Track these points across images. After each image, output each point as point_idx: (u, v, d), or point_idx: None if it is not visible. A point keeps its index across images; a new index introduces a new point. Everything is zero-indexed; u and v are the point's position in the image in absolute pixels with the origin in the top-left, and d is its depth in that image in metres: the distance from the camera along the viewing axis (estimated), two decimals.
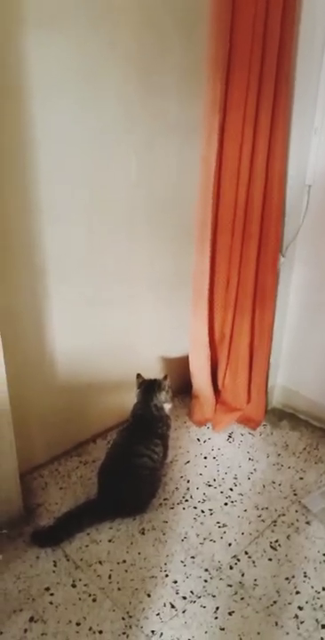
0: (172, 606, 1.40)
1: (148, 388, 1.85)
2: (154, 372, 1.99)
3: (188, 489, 1.82)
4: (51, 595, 1.42)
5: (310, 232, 2.00)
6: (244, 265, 1.96)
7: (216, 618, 1.37)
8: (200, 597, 1.43)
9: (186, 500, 1.77)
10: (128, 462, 1.67)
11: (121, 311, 1.96)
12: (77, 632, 1.33)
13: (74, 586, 1.45)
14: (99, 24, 1.53)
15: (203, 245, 1.94)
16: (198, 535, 1.63)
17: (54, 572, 1.49)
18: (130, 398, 1.98)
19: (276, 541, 1.62)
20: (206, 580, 1.48)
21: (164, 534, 1.63)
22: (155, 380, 1.87)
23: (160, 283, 2.07)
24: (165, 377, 1.88)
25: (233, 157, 1.83)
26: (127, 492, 1.64)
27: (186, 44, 1.77)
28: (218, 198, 1.90)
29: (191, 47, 1.78)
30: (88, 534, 1.62)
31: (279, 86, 1.72)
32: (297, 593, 1.44)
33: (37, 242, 1.61)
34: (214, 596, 1.43)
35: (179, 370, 2.22)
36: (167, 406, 1.86)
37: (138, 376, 1.88)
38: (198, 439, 2.10)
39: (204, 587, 1.46)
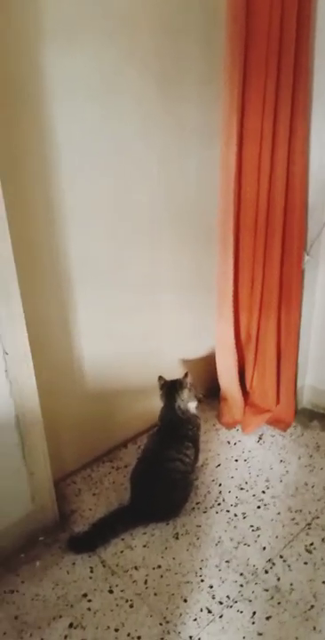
0: (209, 611, 1.40)
1: (170, 389, 1.83)
2: (179, 374, 1.99)
3: (220, 492, 1.82)
4: (89, 601, 1.45)
5: None
6: (268, 264, 1.95)
7: (253, 623, 1.37)
8: (236, 602, 1.43)
9: (219, 504, 1.77)
10: (160, 467, 1.67)
11: (145, 316, 1.97)
12: (116, 638, 1.34)
13: (111, 592, 1.47)
14: (116, 33, 1.55)
15: (226, 246, 1.94)
16: (232, 539, 1.63)
17: (91, 577, 1.52)
18: (157, 402, 1.99)
19: (311, 544, 1.60)
20: (242, 585, 1.47)
21: (198, 539, 1.63)
22: (176, 381, 1.85)
23: (183, 286, 2.07)
24: (186, 375, 1.86)
25: (252, 157, 1.82)
26: (159, 497, 1.66)
27: (204, 48, 1.78)
28: (240, 199, 1.90)
29: (209, 52, 1.78)
30: (122, 540, 1.63)
31: (297, 84, 1.70)
32: None
33: (62, 251, 1.63)
34: (250, 601, 1.43)
35: (206, 372, 2.22)
36: (192, 405, 1.84)
37: (160, 378, 1.87)
38: (228, 442, 2.09)
39: (240, 591, 1.46)
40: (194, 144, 1.89)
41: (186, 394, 1.83)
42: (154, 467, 1.69)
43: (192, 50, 1.76)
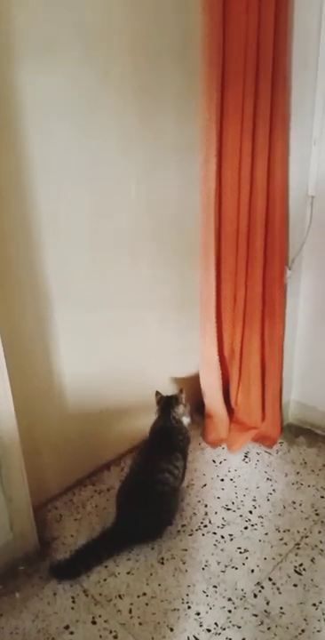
0: None
1: (167, 402, 1.85)
2: (165, 393, 1.96)
3: (206, 514, 1.77)
4: (71, 633, 1.38)
5: (316, 243, 1.97)
6: (250, 279, 1.93)
7: None
8: (225, 629, 1.37)
9: (205, 526, 1.72)
10: (148, 478, 1.63)
11: (128, 334, 1.94)
12: None
13: (94, 622, 1.40)
14: (93, 51, 1.54)
15: (207, 261, 1.93)
16: (219, 562, 1.58)
17: (73, 608, 1.45)
18: (142, 422, 1.95)
19: (300, 565, 1.56)
20: (230, 611, 1.42)
21: (184, 563, 1.58)
22: (172, 396, 1.87)
23: (166, 303, 2.05)
24: (181, 390, 1.87)
25: (232, 172, 1.82)
26: (147, 509, 1.60)
27: (182, 64, 1.78)
28: (220, 214, 1.89)
29: (186, 67, 1.79)
30: (106, 567, 1.57)
31: (275, 100, 1.71)
32: None
33: (40, 269, 1.59)
34: (239, 627, 1.37)
35: (191, 390, 2.18)
36: (185, 420, 1.84)
37: (157, 393, 1.88)
38: (213, 460, 2.05)
39: (229, 617, 1.40)
40: (174, 160, 1.88)
41: (181, 409, 1.84)
42: (143, 478, 1.64)
43: (169, 67, 1.76)
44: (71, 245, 1.66)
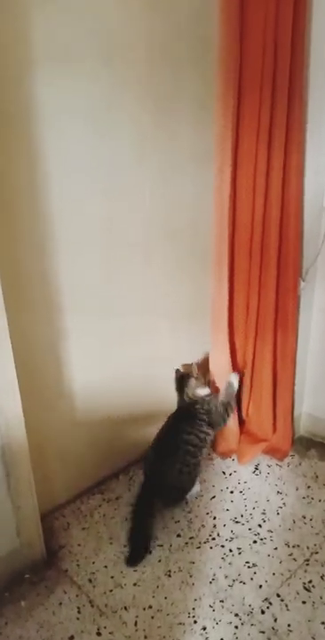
0: None
1: (179, 382, 1.92)
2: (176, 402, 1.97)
3: (215, 526, 1.75)
4: None
5: None
6: (264, 290, 1.91)
7: None
8: None
9: (213, 539, 1.70)
10: (174, 438, 1.78)
11: (139, 342, 1.93)
12: None
13: (99, 634, 1.39)
14: (110, 57, 1.55)
15: (221, 273, 1.91)
16: (227, 577, 1.56)
17: (78, 618, 1.44)
18: (152, 431, 1.94)
19: (310, 582, 1.53)
20: (237, 627, 1.40)
21: (191, 576, 1.56)
22: (183, 374, 1.92)
23: (178, 311, 2.04)
24: (193, 365, 1.92)
25: (247, 182, 1.80)
26: (171, 466, 1.75)
27: (199, 71, 1.77)
28: (234, 223, 1.87)
29: (204, 75, 1.78)
30: (112, 577, 1.56)
31: (291, 110, 1.70)
32: None
33: (52, 276, 1.60)
34: None
35: None
36: (200, 391, 1.89)
37: (177, 371, 1.94)
38: (223, 472, 2.03)
39: (235, 634, 1.38)
40: (190, 166, 1.87)
41: (192, 383, 1.88)
42: (168, 439, 1.81)
43: (187, 74, 1.76)
44: (83, 251, 1.66)
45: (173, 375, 1.94)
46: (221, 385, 2.00)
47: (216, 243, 1.90)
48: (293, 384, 2.07)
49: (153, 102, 1.70)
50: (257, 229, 1.84)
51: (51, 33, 1.40)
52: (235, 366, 2.07)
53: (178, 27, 1.68)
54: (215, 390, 1.99)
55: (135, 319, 1.89)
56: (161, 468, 1.78)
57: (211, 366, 2.07)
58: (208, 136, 1.83)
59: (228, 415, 1.94)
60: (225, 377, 2.03)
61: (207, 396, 1.90)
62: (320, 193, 1.87)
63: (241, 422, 2.13)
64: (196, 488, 1.90)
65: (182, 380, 1.91)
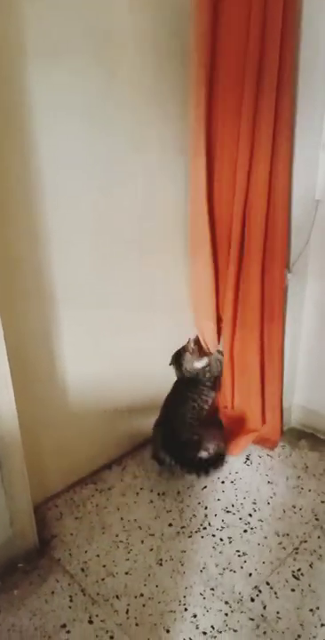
0: None
1: (176, 358, 2.01)
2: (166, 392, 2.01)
3: (206, 516, 1.78)
4: (68, 632, 1.39)
5: (321, 248, 1.96)
6: (248, 281, 1.91)
7: None
8: (221, 632, 1.37)
9: (205, 528, 1.72)
10: (180, 399, 1.95)
11: (132, 335, 1.94)
12: None
13: (90, 622, 1.41)
14: (101, 54, 1.55)
15: (201, 264, 1.93)
16: (217, 565, 1.58)
17: (70, 607, 1.46)
18: (144, 422, 1.99)
19: (299, 570, 1.56)
20: (227, 614, 1.42)
21: (182, 565, 1.58)
22: (179, 350, 2.01)
23: (171, 305, 2.05)
24: (189, 341, 2.00)
25: (226, 173, 1.81)
26: (180, 423, 1.92)
27: (189, 68, 1.76)
28: (214, 214, 1.88)
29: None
30: (104, 566, 1.58)
31: (279, 102, 1.68)
32: (322, 625, 1.38)
33: (45, 269, 1.60)
34: (236, 631, 1.38)
35: None
36: (198, 363, 1.99)
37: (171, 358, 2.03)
38: None
39: (225, 621, 1.40)
40: (180, 161, 1.87)
41: (188, 357, 1.98)
42: (175, 401, 1.97)
43: (177, 71, 1.75)
44: (76, 245, 1.67)
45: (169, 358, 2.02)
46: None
47: (191, 232, 1.91)
48: (282, 376, 2.09)
49: (143, 98, 1.70)
50: (238, 221, 1.83)
51: (44, 28, 1.39)
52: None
53: (169, 23, 1.68)
54: (209, 354, 2.08)
55: (128, 312, 1.90)
56: (170, 431, 1.92)
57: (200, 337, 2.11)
58: None
59: (222, 365, 2.10)
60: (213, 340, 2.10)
61: (206, 365, 2.00)
62: (311, 185, 1.88)
63: (232, 413, 2.15)
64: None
65: (178, 356, 2.00)
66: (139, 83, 1.67)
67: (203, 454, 1.97)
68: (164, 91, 1.75)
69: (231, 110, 1.72)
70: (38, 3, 1.37)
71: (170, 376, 2.07)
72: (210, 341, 2.08)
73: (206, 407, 1.99)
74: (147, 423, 1.98)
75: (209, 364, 2.02)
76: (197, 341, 2.05)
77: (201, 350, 2.05)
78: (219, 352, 2.08)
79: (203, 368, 2.00)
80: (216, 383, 2.07)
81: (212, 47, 1.66)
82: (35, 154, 1.48)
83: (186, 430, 1.93)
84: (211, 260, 1.92)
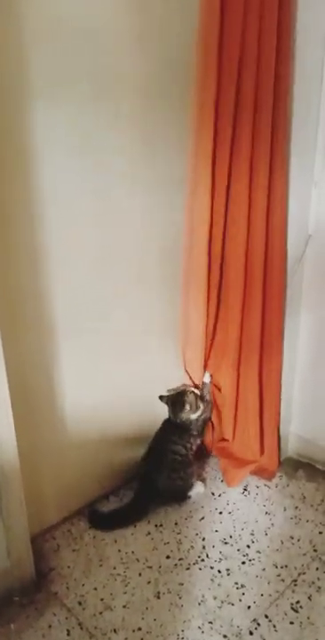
0: None
1: (173, 404, 1.97)
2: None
3: (204, 547, 1.77)
4: None
5: (314, 281, 2.01)
6: (249, 315, 1.94)
7: None
8: None
9: (202, 560, 1.71)
10: (163, 448, 1.93)
11: (131, 362, 1.96)
12: None
13: None
14: (103, 91, 1.61)
15: (193, 300, 1.95)
16: (215, 598, 1.57)
17: None
18: (141, 452, 1.98)
19: (297, 602, 1.55)
20: None
21: (180, 598, 1.57)
22: (177, 400, 1.96)
23: (172, 334, 2.07)
24: (189, 392, 1.97)
25: (220, 209, 1.84)
26: (162, 473, 1.90)
27: (188, 104, 1.82)
28: (211, 251, 1.89)
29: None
30: (102, 600, 1.57)
31: (275, 142, 1.76)
32: None
33: (45, 296, 1.63)
34: None
35: None
36: (194, 416, 1.96)
37: (161, 397, 1.99)
38: (212, 493, 2.05)
39: None
40: (179, 193, 1.91)
41: (187, 408, 1.94)
42: (159, 448, 1.95)
43: (177, 109, 1.80)
44: (76, 275, 1.70)
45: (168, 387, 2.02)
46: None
47: (183, 264, 1.94)
48: (279, 405, 2.11)
49: (143, 134, 1.75)
50: (240, 258, 1.87)
51: (46, 64, 1.45)
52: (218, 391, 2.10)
53: (170, 63, 1.74)
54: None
55: (127, 339, 1.92)
56: (151, 474, 1.92)
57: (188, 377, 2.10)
58: None
59: (212, 409, 2.08)
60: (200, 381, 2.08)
61: (201, 414, 1.97)
62: (304, 222, 1.95)
63: (228, 446, 2.16)
64: (199, 489, 2.01)
65: (176, 403, 1.95)
66: (140, 120, 1.73)
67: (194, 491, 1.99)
68: (166, 128, 1.80)
69: (230, 149, 1.77)
70: (40, 39, 1.43)
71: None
72: (195, 374, 2.07)
73: (191, 454, 1.97)
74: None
75: (202, 414, 1.98)
76: (195, 393, 1.99)
77: (196, 400, 1.97)
78: (208, 394, 2.05)
79: (197, 418, 1.97)
80: (204, 428, 2.04)
81: (217, 90, 1.70)
82: (37, 184, 1.52)
83: (167, 478, 1.92)
84: (205, 296, 1.92)
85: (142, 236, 1.87)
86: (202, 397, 1.99)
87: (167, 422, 2.00)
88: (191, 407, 1.93)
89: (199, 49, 1.67)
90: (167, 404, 1.97)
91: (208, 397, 2.04)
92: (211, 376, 2.06)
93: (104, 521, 1.88)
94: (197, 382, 2.06)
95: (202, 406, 1.97)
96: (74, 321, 1.73)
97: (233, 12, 1.61)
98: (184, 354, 2.06)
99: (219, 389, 2.09)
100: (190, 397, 1.95)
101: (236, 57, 1.66)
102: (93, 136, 1.63)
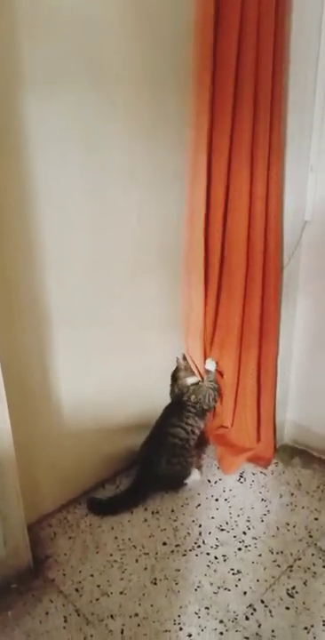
0: None
1: (172, 377, 2.05)
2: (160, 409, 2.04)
3: (200, 534, 1.78)
4: None
5: (311, 266, 2.00)
6: (248, 302, 1.94)
7: None
8: None
9: (199, 547, 1.72)
10: (162, 431, 1.95)
11: (126, 354, 1.95)
12: None
13: None
14: (98, 82, 1.58)
15: (194, 288, 1.94)
16: (212, 584, 1.58)
17: (65, 627, 1.45)
18: (138, 441, 1.98)
19: (293, 588, 1.56)
20: (222, 633, 1.42)
21: (177, 584, 1.58)
22: (176, 368, 2.05)
23: (166, 326, 2.06)
24: (183, 357, 2.04)
25: (222, 199, 1.83)
26: (161, 457, 1.91)
27: (185, 97, 1.79)
28: (207, 242, 1.89)
29: (188, 98, 1.81)
30: (98, 586, 1.57)
31: (272, 132, 1.74)
32: None
33: (40, 289, 1.62)
34: None
35: None
36: (190, 379, 2.02)
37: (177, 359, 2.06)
38: (208, 480, 2.05)
39: (220, 639, 1.40)
40: (175, 187, 1.89)
41: (182, 373, 2.02)
42: (158, 432, 1.96)
43: (173, 99, 1.78)
44: (73, 270, 1.69)
45: (162, 384, 2.03)
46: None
47: (185, 257, 1.93)
48: (274, 392, 2.11)
49: (139, 125, 1.73)
50: (241, 245, 1.86)
51: (40, 56, 1.43)
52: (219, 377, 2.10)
53: (165, 52, 1.71)
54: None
55: (122, 331, 1.92)
56: (151, 458, 1.92)
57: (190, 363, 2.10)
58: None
59: (216, 398, 2.06)
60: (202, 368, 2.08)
61: (193, 384, 2.01)
62: (301, 207, 1.93)
63: (226, 432, 2.16)
64: (195, 476, 2.02)
65: (175, 373, 2.04)
66: (136, 111, 1.70)
67: (191, 478, 2.01)
68: (161, 119, 1.78)
69: (229, 137, 1.75)
70: (36, 32, 1.40)
71: (164, 394, 2.08)
72: (197, 360, 2.07)
73: (192, 439, 1.97)
74: (141, 441, 1.98)
75: (196, 384, 2.01)
76: (185, 358, 2.06)
77: (190, 368, 2.06)
78: (213, 381, 2.05)
79: (189, 387, 2.00)
80: (204, 413, 2.04)
81: (212, 79, 1.69)
82: (32, 179, 1.50)
83: (167, 462, 1.92)
84: (204, 285, 1.92)
85: (139, 231, 1.85)
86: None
87: (167, 406, 2.03)
88: (185, 369, 2.01)
89: (196, 38, 1.65)
90: (171, 380, 2.04)
91: (213, 385, 2.04)
92: (217, 363, 2.07)
93: (104, 507, 1.88)
94: (200, 370, 2.06)
95: (197, 376, 2.02)
96: (69, 313, 1.72)
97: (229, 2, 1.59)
98: (186, 342, 2.06)
99: (221, 375, 2.09)
100: (181, 360, 2.03)
101: (234, 47, 1.64)
102: (89, 131, 1.60)
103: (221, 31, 1.64)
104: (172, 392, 2.04)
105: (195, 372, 2.05)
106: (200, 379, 2.03)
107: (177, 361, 2.04)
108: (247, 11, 1.61)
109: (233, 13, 1.60)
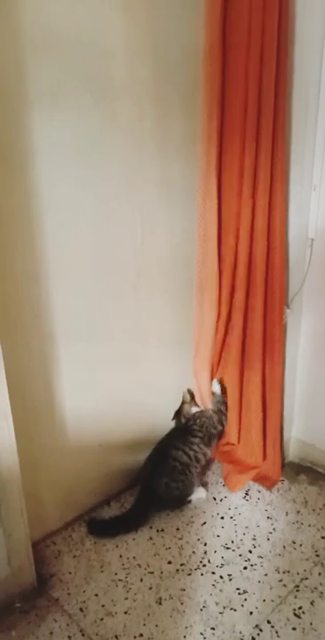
0: None
1: (177, 413, 2.07)
2: (166, 428, 2.04)
3: (206, 552, 1.76)
4: None
5: (315, 284, 2.01)
6: (251, 319, 1.95)
7: None
8: None
9: (204, 565, 1.71)
10: (164, 454, 1.93)
11: (131, 370, 1.96)
12: None
13: None
14: (101, 97, 1.61)
15: (207, 306, 1.97)
16: (217, 603, 1.56)
17: None
18: (141, 457, 1.98)
19: (300, 608, 1.54)
20: None
21: (182, 604, 1.56)
22: (180, 407, 2.08)
23: (169, 340, 2.07)
24: (188, 391, 2.09)
25: (230, 216, 1.86)
26: (162, 480, 1.89)
27: (187, 112, 1.83)
28: (220, 256, 1.92)
29: (191, 115, 1.84)
30: (103, 606, 1.56)
31: (275, 150, 1.78)
32: None
33: (44, 305, 1.64)
34: None
35: None
36: (194, 409, 2.06)
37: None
38: (214, 498, 2.04)
39: None
40: (178, 202, 1.92)
41: (186, 407, 2.06)
42: (159, 454, 1.95)
43: (175, 114, 1.82)
44: (76, 283, 1.70)
45: (166, 400, 2.05)
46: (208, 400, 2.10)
47: (197, 272, 1.96)
48: (281, 411, 2.11)
49: (141, 140, 1.75)
50: (243, 262, 1.88)
51: (44, 72, 1.46)
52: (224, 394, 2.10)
53: (167, 68, 1.75)
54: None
55: (125, 346, 1.92)
56: (151, 479, 1.91)
57: (196, 387, 2.12)
58: (195, 173, 1.90)
59: (222, 421, 2.07)
60: (208, 392, 2.08)
61: (198, 412, 2.03)
62: (304, 225, 1.95)
63: (232, 450, 2.15)
64: (200, 494, 2.01)
65: (178, 412, 2.06)
66: (138, 126, 1.73)
67: (196, 496, 2.00)
68: (164, 134, 1.81)
69: (235, 157, 1.79)
70: (39, 49, 1.44)
71: (168, 411, 2.09)
72: (204, 392, 2.09)
73: (195, 464, 1.95)
74: (145, 457, 1.98)
75: (200, 411, 2.04)
76: (190, 391, 2.10)
77: (195, 401, 2.10)
78: (219, 403, 2.06)
79: (195, 414, 2.01)
80: (211, 439, 2.03)
81: (221, 100, 1.74)
82: (36, 193, 1.53)
83: (166, 486, 1.90)
84: (217, 304, 1.95)
85: (143, 247, 1.87)
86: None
87: (173, 428, 2.05)
88: (189, 404, 2.04)
89: (205, 66, 1.72)
90: (175, 418, 2.07)
91: (217, 408, 2.05)
92: (221, 382, 2.07)
93: (104, 529, 1.85)
94: (205, 396, 2.09)
95: (201, 406, 2.03)
96: (73, 329, 1.73)
97: (236, 28, 1.68)
98: (195, 364, 2.09)
99: (225, 391, 2.09)
100: (185, 392, 2.06)
101: (242, 72, 1.70)
102: (92, 142, 1.63)
103: (229, 58, 1.72)
104: (178, 420, 2.06)
105: (200, 400, 2.09)
106: (202, 408, 2.06)
107: (183, 396, 2.08)
108: (252, 32, 1.66)
109: (240, 38, 1.68)
